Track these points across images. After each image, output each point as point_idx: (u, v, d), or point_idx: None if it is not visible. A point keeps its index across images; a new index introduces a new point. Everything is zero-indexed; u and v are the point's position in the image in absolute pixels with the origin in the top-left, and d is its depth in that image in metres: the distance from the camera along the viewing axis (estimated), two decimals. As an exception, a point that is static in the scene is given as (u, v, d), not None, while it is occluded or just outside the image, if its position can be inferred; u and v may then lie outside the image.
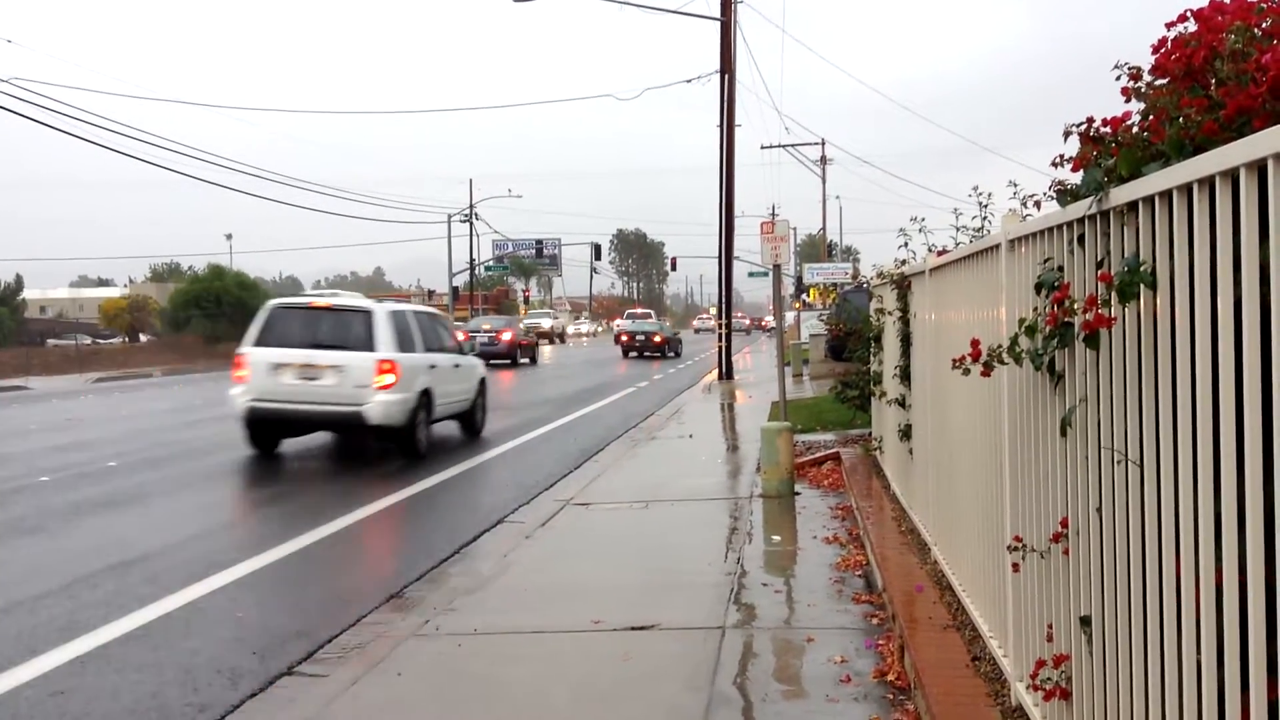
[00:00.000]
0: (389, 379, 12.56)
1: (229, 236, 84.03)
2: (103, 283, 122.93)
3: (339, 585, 7.10)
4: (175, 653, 5.73)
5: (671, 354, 45.80)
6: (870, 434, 11.37)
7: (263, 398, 12.70)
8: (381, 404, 12.49)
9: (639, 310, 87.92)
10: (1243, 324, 2.09)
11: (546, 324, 68.97)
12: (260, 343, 12.95)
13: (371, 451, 13.61)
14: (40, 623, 6.24)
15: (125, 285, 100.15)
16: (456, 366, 14.95)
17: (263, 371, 12.72)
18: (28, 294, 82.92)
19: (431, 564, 7.63)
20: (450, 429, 15.57)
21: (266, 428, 13.24)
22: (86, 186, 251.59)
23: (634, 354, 45.10)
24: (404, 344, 13.20)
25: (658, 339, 46.00)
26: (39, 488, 11.21)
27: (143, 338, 65.74)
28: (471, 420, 15.60)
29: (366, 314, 13.08)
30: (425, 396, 13.31)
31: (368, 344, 12.72)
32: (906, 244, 8.15)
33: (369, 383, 12.48)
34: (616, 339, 52.81)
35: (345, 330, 12.98)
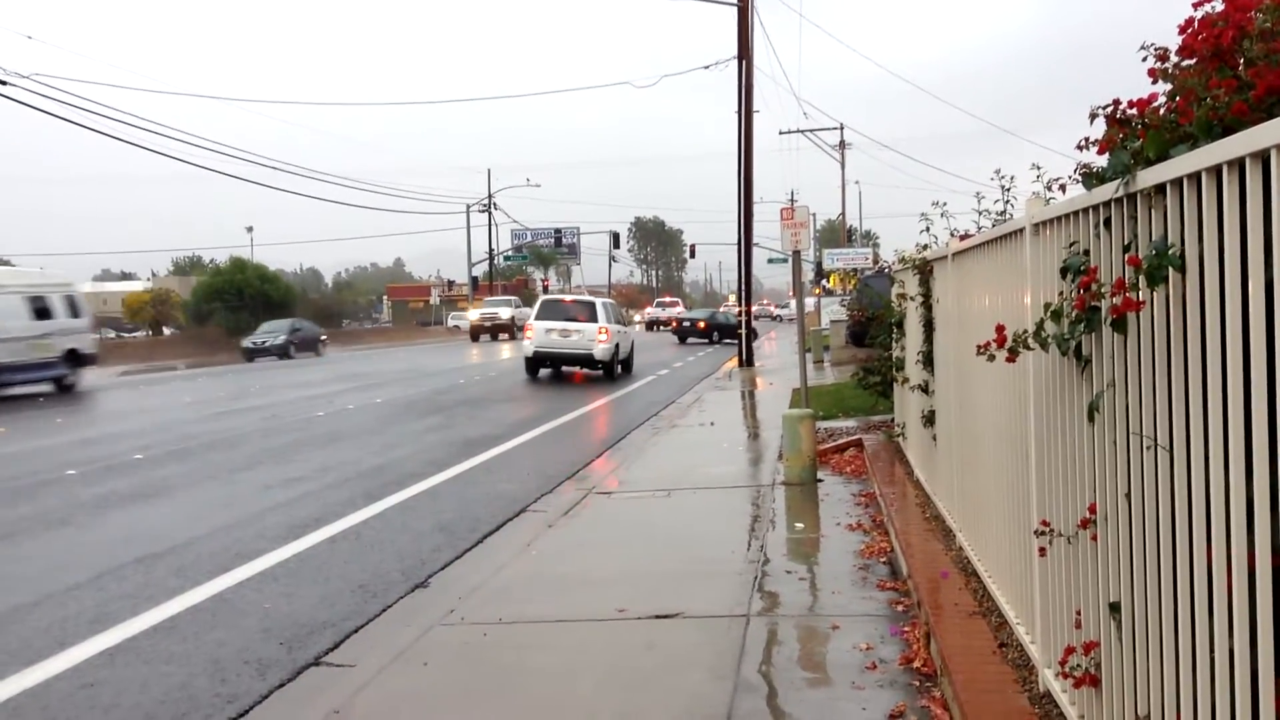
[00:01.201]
0: (604, 337, 24.04)
1: (250, 229, 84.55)
2: (125, 277, 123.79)
3: (363, 574, 7.14)
4: (203, 644, 5.78)
5: (729, 340, 45.79)
6: (893, 420, 11.33)
7: (541, 347, 24.32)
8: (601, 349, 24.03)
9: (667, 299, 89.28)
10: (1274, 306, 2.06)
11: (505, 314, 53.66)
12: (538, 318, 24.64)
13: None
14: (69, 615, 6.31)
15: (148, 279, 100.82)
16: (625, 332, 26.48)
17: (541, 333, 24.28)
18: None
19: (454, 554, 7.67)
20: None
21: (539, 362, 24.69)
22: (108, 181, 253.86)
23: (693, 339, 47.59)
24: (609, 319, 24.63)
25: (701, 325, 49.23)
26: (66, 480, 11.33)
27: (166, 331, 66.25)
28: (629, 364, 26.73)
29: (592, 303, 25.15)
30: (616, 348, 24.79)
31: (593, 318, 24.28)
32: (928, 228, 8.12)
33: (595, 338, 23.98)
34: (648, 326, 66.97)
35: (582, 311, 24.58)
